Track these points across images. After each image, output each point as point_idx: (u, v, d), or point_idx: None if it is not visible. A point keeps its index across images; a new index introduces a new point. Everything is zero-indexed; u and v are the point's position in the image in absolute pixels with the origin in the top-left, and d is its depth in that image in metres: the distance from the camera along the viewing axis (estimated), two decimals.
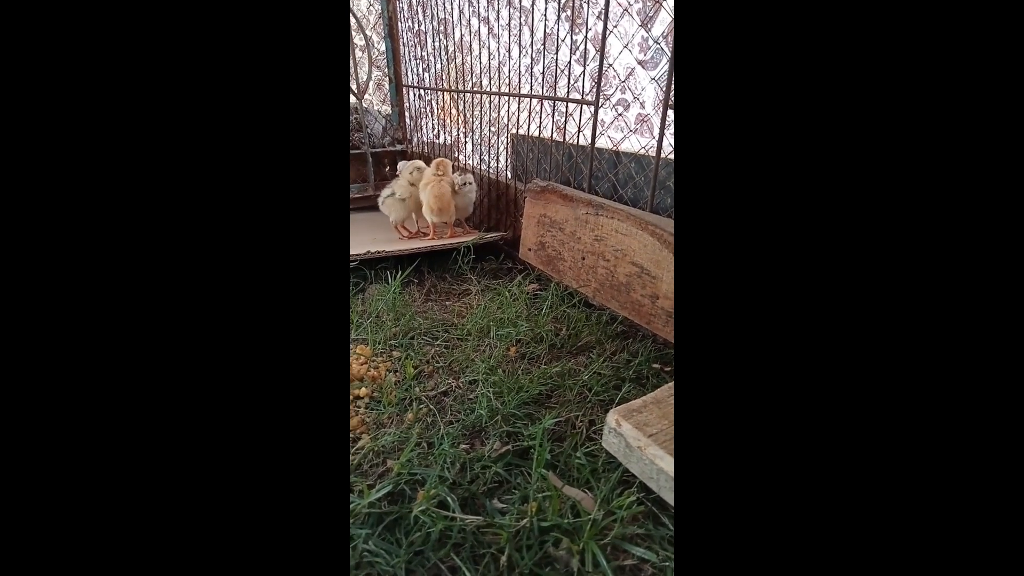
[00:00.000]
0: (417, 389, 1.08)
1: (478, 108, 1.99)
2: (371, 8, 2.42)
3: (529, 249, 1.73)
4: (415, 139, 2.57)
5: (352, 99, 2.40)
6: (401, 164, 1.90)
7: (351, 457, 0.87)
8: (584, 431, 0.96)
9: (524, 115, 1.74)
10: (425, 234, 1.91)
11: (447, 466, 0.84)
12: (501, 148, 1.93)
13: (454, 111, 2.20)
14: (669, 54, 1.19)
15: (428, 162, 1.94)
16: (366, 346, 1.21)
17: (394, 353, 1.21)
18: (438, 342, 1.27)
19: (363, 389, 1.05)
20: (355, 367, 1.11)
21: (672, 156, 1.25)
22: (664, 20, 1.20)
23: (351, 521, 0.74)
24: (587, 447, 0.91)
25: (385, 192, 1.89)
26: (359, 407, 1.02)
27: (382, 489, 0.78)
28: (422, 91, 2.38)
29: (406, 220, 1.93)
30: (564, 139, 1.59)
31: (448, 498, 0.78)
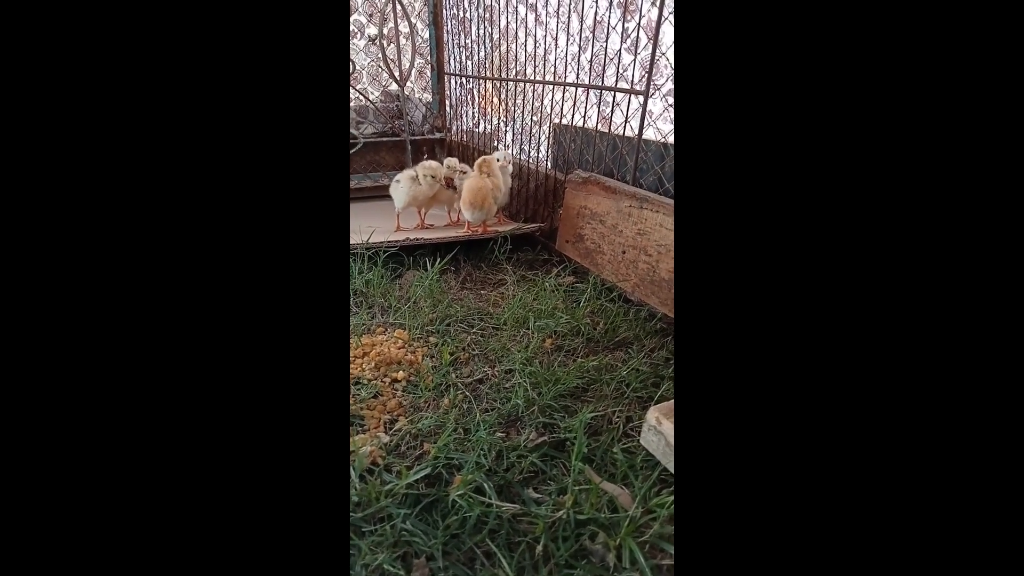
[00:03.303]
0: (453, 375, 1.08)
1: (521, 97, 1.97)
2: None
3: (567, 241, 1.71)
4: (454, 127, 2.57)
5: (394, 87, 2.42)
6: (447, 161, 1.84)
7: (389, 438, 0.89)
8: (621, 427, 0.94)
9: (568, 105, 1.71)
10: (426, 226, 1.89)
11: (484, 453, 0.84)
12: (543, 138, 1.91)
13: (496, 100, 2.19)
14: None
15: (464, 154, 1.92)
16: (404, 331, 1.23)
17: (431, 339, 1.22)
18: (474, 330, 1.28)
19: (400, 373, 1.06)
20: (393, 351, 1.13)
21: None
22: None
23: (389, 500, 0.75)
24: (624, 443, 0.90)
25: (397, 177, 1.84)
26: (396, 390, 1.03)
27: (420, 471, 0.79)
28: (464, 79, 2.38)
29: (403, 213, 1.88)
30: (609, 130, 1.55)
31: (485, 484, 0.77)
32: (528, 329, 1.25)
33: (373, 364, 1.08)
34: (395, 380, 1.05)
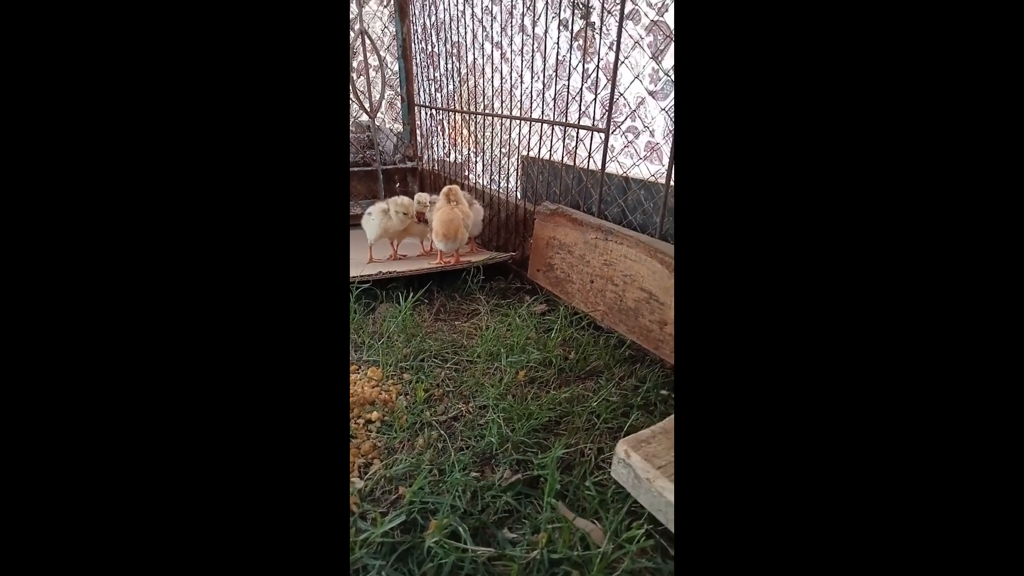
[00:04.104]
0: (428, 413, 1.09)
1: (489, 130, 2.03)
2: (386, 30, 2.48)
3: (538, 270, 1.75)
4: (425, 156, 2.61)
5: (364, 118, 2.44)
6: (418, 196, 1.85)
7: (364, 483, 0.89)
8: (593, 459, 0.97)
9: (535, 138, 1.77)
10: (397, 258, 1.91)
11: (458, 495, 0.85)
12: (511, 169, 1.96)
13: (465, 131, 2.24)
14: None
15: (435, 183, 1.96)
16: (377, 368, 1.23)
17: (404, 376, 1.23)
18: (448, 365, 1.29)
19: (375, 413, 1.07)
20: (366, 390, 1.13)
21: None
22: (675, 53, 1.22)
23: (365, 551, 0.75)
24: (596, 476, 0.92)
25: (368, 210, 1.84)
26: (371, 431, 1.03)
27: (395, 519, 0.79)
28: (434, 111, 2.43)
29: (375, 244, 1.90)
30: (575, 163, 1.62)
31: (460, 528, 0.79)
32: (501, 364, 1.28)
33: None
34: (369, 421, 1.05)
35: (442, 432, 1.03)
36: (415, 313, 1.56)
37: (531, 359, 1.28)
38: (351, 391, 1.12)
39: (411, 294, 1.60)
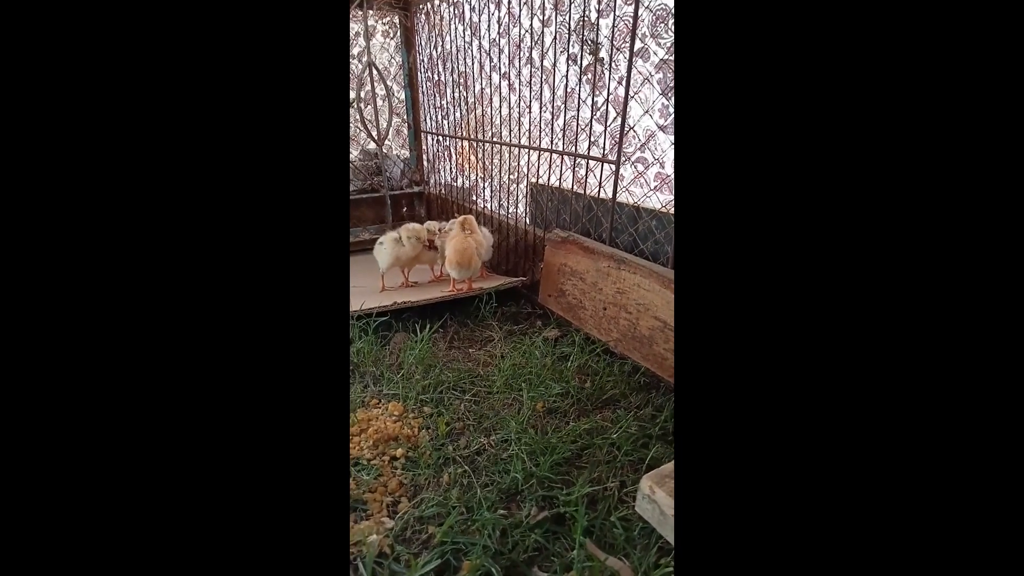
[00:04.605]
0: (451, 447, 1.11)
1: (497, 157, 2.06)
2: (392, 60, 2.53)
3: (549, 295, 1.77)
4: (432, 180, 2.65)
5: (372, 145, 2.49)
6: (427, 224, 1.89)
7: (394, 523, 0.90)
8: (616, 493, 0.98)
9: (544, 166, 1.81)
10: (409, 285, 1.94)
11: (489, 533, 0.87)
12: (520, 196, 2.00)
13: (472, 158, 2.28)
14: None
15: (443, 207, 1.98)
16: (398, 403, 1.25)
17: (425, 408, 1.25)
18: (467, 396, 1.31)
19: (399, 449, 1.08)
20: (389, 425, 1.15)
21: None
22: None
23: None
24: (620, 511, 0.94)
25: (380, 240, 1.88)
26: (396, 468, 1.05)
27: (429, 563, 0.80)
28: (440, 137, 2.47)
29: (387, 273, 1.92)
30: (585, 191, 1.65)
31: (493, 568, 0.80)
32: (520, 395, 1.29)
33: (371, 442, 1.09)
34: (394, 458, 1.07)
35: (466, 468, 1.05)
36: (430, 341, 1.58)
37: (550, 392, 1.30)
38: (374, 427, 1.14)
39: (425, 323, 1.62)
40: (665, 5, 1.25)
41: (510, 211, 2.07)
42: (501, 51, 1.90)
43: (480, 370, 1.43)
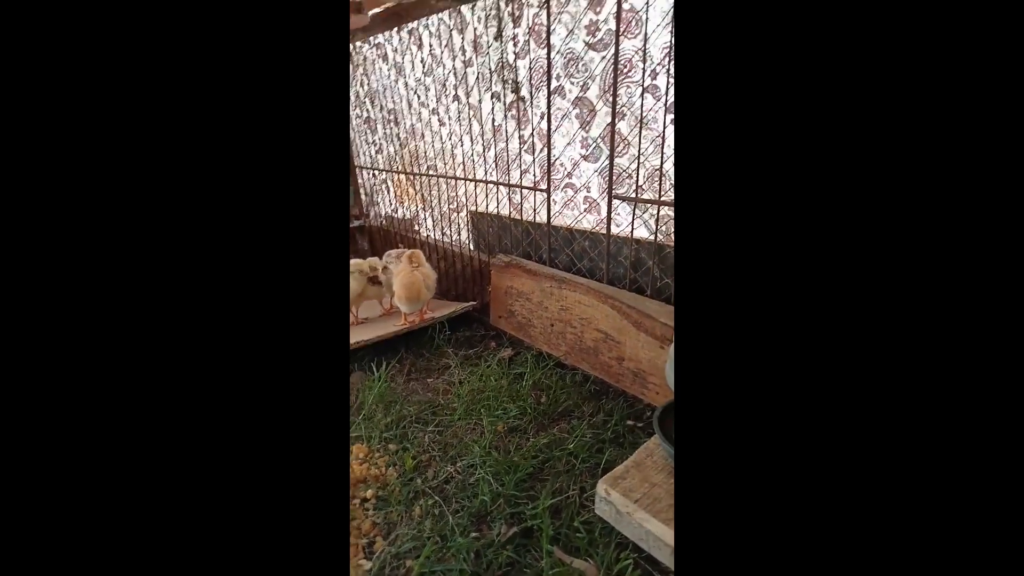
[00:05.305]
0: (419, 481, 1.15)
1: (436, 188, 2.13)
2: None
3: (500, 316, 1.86)
4: (372, 213, 2.67)
5: None
6: (369, 260, 1.92)
7: (371, 564, 0.93)
8: (577, 500, 1.07)
9: (481, 195, 1.90)
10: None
11: (464, 557, 0.92)
12: (462, 224, 2.07)
13: (411, 190, 2.33)
14: (607, 150, 1.39)
15: (386, 237, 2.02)
16: (362, 444, 1.28)
17: (390, 446, 1.28)
18: (430, 428, 1.35)
19: (369, 491, 1.11)
20: (356, 469, 1.17)
21: (621, 233, 1.43)
22: (600, 123, 1.39)
23: None
24: (582, 516, 1.02)
25: None
26: (368, 509, 1.08)
27: None
28: (375, 172, 2.51)
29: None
30: (521, 216, 1.75)
31: None
32: (481, 420, 1.36)
33: None
34: (364, 499, 1.10)
35: (436, 498, 1.10)
36: (387, 376, 1.61)
37: (509, 415, 1.37)
38: None
39: (381, 359, 1.65)
40: (573, 50, 1.38)
41: (453, 239, 2.14)
42: (427, 89, 1.98)
43: (440, 399, 1.48)
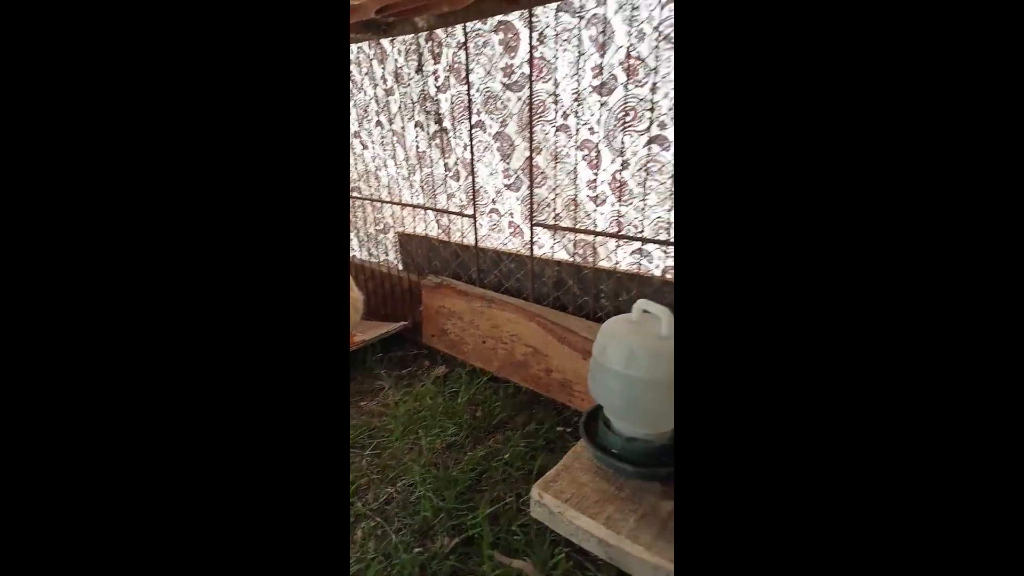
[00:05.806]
0: (360, 504, 1.18)
1: (360, 210, 2.14)
2: None
3: (432, 335, 1.91)
4: None
5: None
6: None
7: None
8: (514, 505, 1.16)
9: (408, 217, 1.95)
10: None
11: (408, 572, 0.97)
12: (389, 245, 2.10)
13: None
14: (527, 181, 1.51)
15: None
16: None
17: None
18: (367, 452, 1.38)
19: None
20: None
21: (543, 255, 1.56)
22: (519, 156, 1.52)
23: None
24: (519, 520, 1.11)
25: None
26: None
27: None
28: None
29: None
30: (450, 238, 1.83)
31: None
32: (418, 439, 1.40)
33: None
34: None
35: (378, 519, 1.13)
36: None
37: (446, 433, 1.43)
38: None
39: None
40: (491, 88, 1.49)
41: (381, 259, 2.16)
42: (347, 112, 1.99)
43: (376, 422, 1.51)
